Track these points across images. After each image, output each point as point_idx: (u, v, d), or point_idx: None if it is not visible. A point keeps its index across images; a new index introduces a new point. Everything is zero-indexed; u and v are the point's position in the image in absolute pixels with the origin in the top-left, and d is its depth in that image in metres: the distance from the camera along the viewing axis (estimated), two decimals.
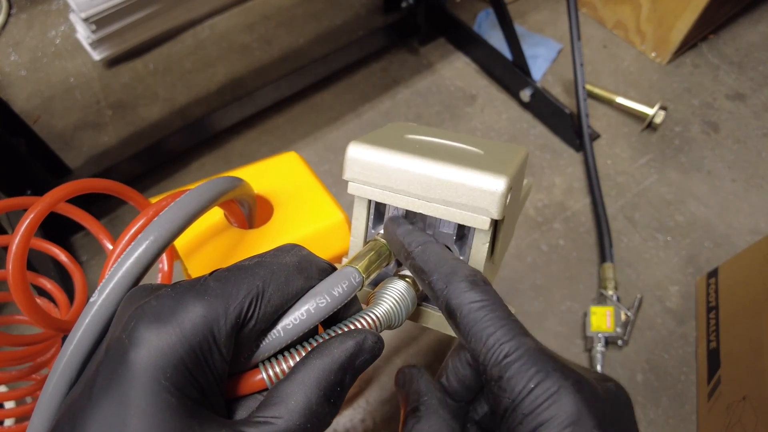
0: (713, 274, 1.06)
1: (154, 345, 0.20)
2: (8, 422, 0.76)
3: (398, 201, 0.29)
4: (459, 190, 0.27)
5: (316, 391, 0.22)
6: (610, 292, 1.07)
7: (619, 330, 1.01)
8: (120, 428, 0.19)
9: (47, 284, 0.56)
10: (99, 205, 1.20)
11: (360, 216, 0.31)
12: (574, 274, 1.13)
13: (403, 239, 0.28)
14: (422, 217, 0.31)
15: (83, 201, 1.01)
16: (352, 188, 0.29)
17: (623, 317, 1.03)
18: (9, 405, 0.83)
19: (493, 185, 0.26)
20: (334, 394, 0.23)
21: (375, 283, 0.30)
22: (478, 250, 0.29)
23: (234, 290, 0.22)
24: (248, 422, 0.21)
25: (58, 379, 0.24)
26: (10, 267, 0.33)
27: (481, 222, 0.27)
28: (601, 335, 1.01)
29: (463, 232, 0.30)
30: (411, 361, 1.02)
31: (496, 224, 0.29)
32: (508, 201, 0.27)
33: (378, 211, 0.31)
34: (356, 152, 0.28)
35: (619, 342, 1.02)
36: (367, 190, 0.29)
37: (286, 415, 0.21)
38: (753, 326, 0.88)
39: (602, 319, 1.02)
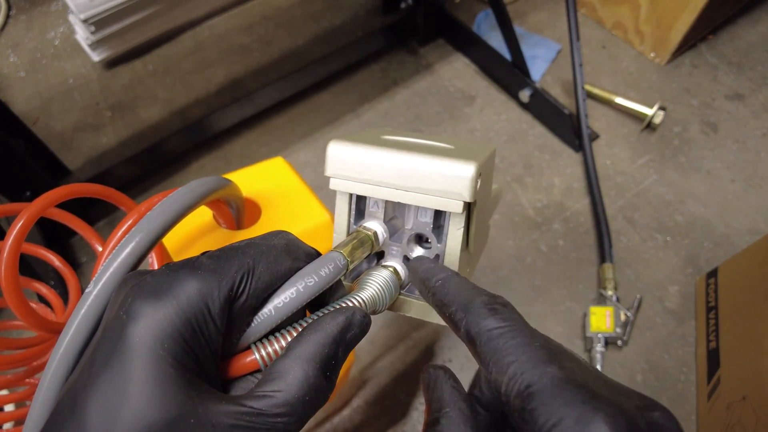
0: (713, 274, 1.06)
1: (151, 317, 0.20)
2: (7, 425, 0.76)
3: (378, 192, 0.30)
4: (433, 177, 0.29)
5: (313, 365, 0.23)
6: (610, 293, 1.06)
7: (618, 330, 1.01)
8: (120, 400, 0.19)
9: (42, 288, 0.56)
10: (98, 207, 1.20)
11: (342, 212, 0.33)
12: (574, 275, 1.13)
13: (425, 275, 0.29)
14: (401, 211, 0.33)
15: (82, 204, 1.01)
16: (334, 183, 0.31)
17: (623, 317, 1.03)
18: (8, 408, 0.83)
19: (463, 171, 0.28)
20: (329, 368, 0.24)
21: (356, 277, 0.31)
22: (454, 235, 0.31)
23: (226, 266, 0.23)
24: (248, 396, 0.22)
25: (56, 367, 0.24)
26: (2, 272, 0.34)
27: (455, 206, 0.29)
28: (600, 335, 1.01)
29: (439, 222, 0.32)
30: (404, 358, 1.02)
31: (469, 210, 0.31)
32: (478, 186, 0.29)
33: (359, 207, 0.33)
34: (336, 150, 0.31)
35: (619, 342, 1.02)
36: (348, 185, 0.31)
37: (285, 388, 0.22)
38: (753, 326, 0.87)
39: (602, 320, 1.02)
